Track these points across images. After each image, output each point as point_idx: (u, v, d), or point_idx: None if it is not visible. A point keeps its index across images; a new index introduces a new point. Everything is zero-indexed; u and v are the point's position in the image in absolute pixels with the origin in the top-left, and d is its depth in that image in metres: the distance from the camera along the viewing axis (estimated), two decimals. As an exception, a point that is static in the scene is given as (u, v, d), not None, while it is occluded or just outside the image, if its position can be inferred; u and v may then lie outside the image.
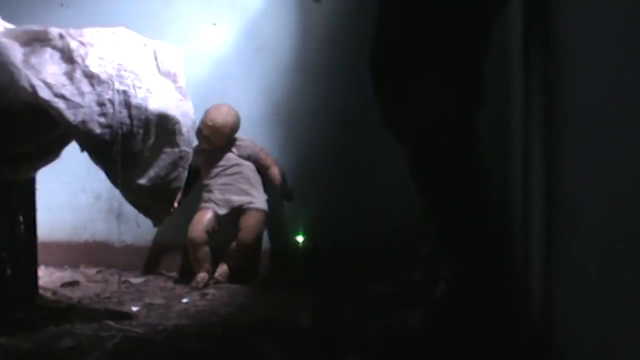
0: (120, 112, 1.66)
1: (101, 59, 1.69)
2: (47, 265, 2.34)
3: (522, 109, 1.85)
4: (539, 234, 1.52)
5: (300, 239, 2.40)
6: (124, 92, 1.68)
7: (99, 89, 1.64)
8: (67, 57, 1.64)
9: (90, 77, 1.64)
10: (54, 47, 1.65)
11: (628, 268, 0.78)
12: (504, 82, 2.16)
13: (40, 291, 2.02)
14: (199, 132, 2.33)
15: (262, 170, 2.45)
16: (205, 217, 2.37)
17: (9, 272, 1.79)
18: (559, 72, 1.30)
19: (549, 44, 1.42)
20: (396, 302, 1.86)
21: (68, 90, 1.59)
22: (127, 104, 1.67)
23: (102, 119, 1.62)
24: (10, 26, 1.72)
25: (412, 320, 1.53)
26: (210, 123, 2.37)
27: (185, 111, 1.87)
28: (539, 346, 1.43)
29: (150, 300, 2.06)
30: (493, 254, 1.51)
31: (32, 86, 1.54)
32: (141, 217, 1.94)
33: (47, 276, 2.28)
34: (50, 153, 1.78)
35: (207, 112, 2.36)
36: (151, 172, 1.78)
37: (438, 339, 1.47)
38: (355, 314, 1.84)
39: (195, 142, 1.93)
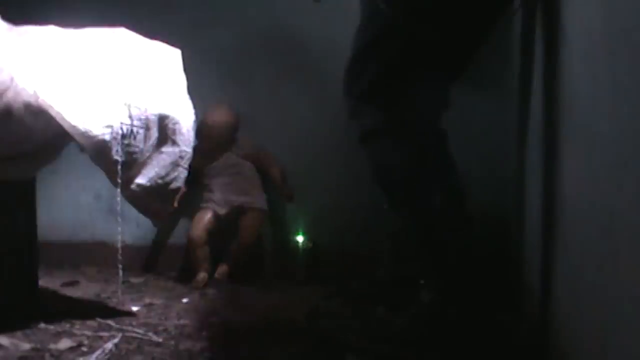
0: (120, 112, 1.66)
1: (101, 59, 1.69)
2: (47, 265, 2.34)
3: (521, 107, 1.85)
4: (537, 232, 1.52)
5: (300, 239, 2.40)
6: (124, 92, 1.68)
7: (99, 89, 1.64)
8: (67, 56, 1.64)
9: (90, 77, 1.64)
10: (54, 47, 1.65)
11: (627, 266, 0.78)
12: (502, 81, 2.16)
13: (40, 291, 2.02)
14: (199, 132, 2.32)
15: (262, 170, 2.45)
16: (205, 217, 2.37)
17: (9, 272, 1.79)
18: (559, 70, 1.30)
19: (550, 43, 1.42)
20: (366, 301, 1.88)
21: (68, 90, 1.59)
22: (127, 104, 1.67)
23: (102, 119, 1.62)
24: (10, 26, 1.72)
25: (398, 324, 1.54)
26: (210, 123, 2.37)
27: (185, 111, 1.87)
28: (536, 346, 1.43)
29: (150, 300, 2.06)
30: (473, 258, 1.52)
31: (32, 86, 1.54)
32: (141, 217, 1.94)
33: (47, 276, 2.28)
34: (50, 153, 1.78)
35: (207, 112, 2.36)
36: (151, 172, 1.78)
37: (424, 342, 1.48)
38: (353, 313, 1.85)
39: (195, 142, 1.93)
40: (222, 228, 2.39)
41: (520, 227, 1.89)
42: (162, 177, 1.81)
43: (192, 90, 1.92)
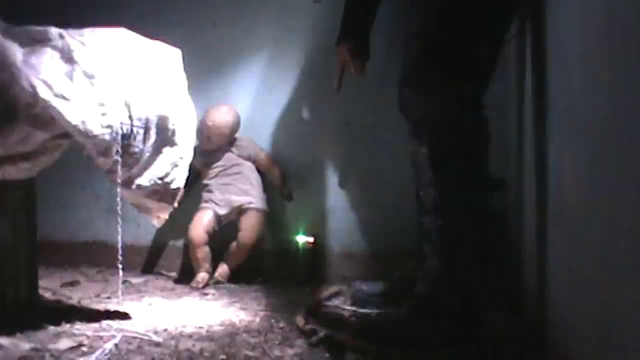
0: (120, 112, 1.66)
1: (101, 59, 1.69)
2: (47, 265, 2.34)
3: (518, 104, 1.85)
4: (534, 230, 1.52)
5: (300, 239, 2.40)
6: (124, 92, 1.68)
7: (99, 88, 1.64)
8: (67, 57, 1.64)
9: (91, 77, 1.64)
10: (54, 47, 1.65)
11: (625, 265, 0.78)
12: (501, 82, 2.16)
13: (40, 291, 2.02)
14: (199, 132, 2.32)
15: (262, 170, 2.45)
16: (205, 217, 2.37)
17: (8, 272, 1.79)
18: (558, 71, 1.30)
19: (543, 38, 1.42)
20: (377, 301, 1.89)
21: (68, 90, 1.59)
22: (127, 104, 1.67)
23: (102, 119, 1.62)
24: (10, 26, 1.72)
25: (396, 315, 1.55)
26: (210, 123, 2.37)
27: (185, 111, 1.87)
28: (534, 343, 1.43)
29: (150, 300, 2.06)
30: (478, 249, 1.53)
31: (32, 86, 1.54)
32: (141, 217, 1.93)
33: (47, 276, 2.28)
34: (50, 153, 1.78)
35: (207, 112, 2.36)
36: (151, 172, 1.78)
37: (421, 332, 1.49)
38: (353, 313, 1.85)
39: (195, 142, 1.93)
40: (222, 228, 2.40)
41: (519, 227, 1.89)
42: (162, 177, 1.81)
43: (192, 90, 1.92)
